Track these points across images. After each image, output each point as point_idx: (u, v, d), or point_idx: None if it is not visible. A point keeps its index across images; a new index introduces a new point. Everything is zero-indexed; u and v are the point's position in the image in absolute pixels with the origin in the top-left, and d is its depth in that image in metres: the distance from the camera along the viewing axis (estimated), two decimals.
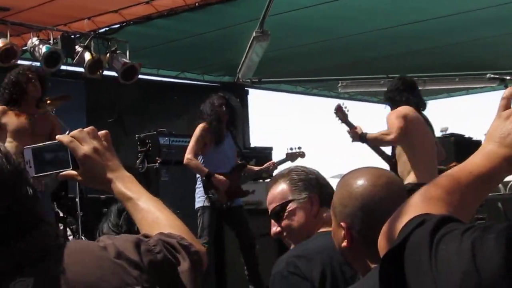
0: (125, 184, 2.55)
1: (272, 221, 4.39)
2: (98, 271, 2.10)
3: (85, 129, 2.55)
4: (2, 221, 2.01)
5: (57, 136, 2.54)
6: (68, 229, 11.47)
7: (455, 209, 1.89)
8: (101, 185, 2.59)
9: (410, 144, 9.25)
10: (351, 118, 9.52)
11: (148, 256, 2.18)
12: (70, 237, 11.73)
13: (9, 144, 8.94)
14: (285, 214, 4.31)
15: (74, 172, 2.52)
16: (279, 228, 4.36)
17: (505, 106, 2.04)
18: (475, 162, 1.99)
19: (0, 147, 2.15)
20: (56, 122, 9.55)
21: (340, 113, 9.47)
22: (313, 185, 4.37)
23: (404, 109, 9.34)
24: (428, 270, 1.65)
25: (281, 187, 4.37)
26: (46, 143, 2.56)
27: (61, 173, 2.54)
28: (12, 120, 9.02)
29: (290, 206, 4.31)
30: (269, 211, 4.40)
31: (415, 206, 1.89)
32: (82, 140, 2.51)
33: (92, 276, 2.08)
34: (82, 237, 11.14)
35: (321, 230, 4.27)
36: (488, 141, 2.01)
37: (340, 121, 9.48)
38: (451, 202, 1.90)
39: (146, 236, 2.30)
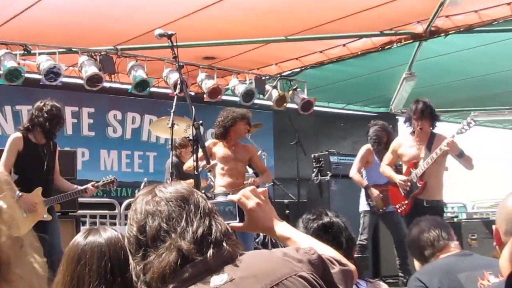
0: (282, 229, 2.61)
1: None
2: (272, 264, 2.24)
3: (247, 189, 2.62)
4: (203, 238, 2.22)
5: (229, 196, 2.69)
6: None
7: None
8: (262, 231, 2.73)
9: None
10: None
11: (306, 255, 2.32)
12: None
13: (219, 167, 9.15)
14: None
15: (239, 225, 2.59)
16: None
17: None
18: None
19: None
20: (254, 151, 9.64)
21: None
22: None
23: None
24: None
25: None
26: (220, 200, 2.69)
27: (230, 225, 2.57)
28: (219, 149, 9.16)
29: None
30: None
31: None
32: (248, 197, 2.59)
33: (269, 266, 2.23)
34: None
35: (441, 256, 4.35)
36: None
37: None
38: None
39: None
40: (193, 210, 2.26)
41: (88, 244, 2.67)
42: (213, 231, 2.24)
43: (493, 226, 3.08)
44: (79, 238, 2.73)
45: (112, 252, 2.64)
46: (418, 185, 8.86)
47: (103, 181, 8.57)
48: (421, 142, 9.03)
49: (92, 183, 8.53)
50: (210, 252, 2.18)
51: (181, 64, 8.54)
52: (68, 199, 8.51)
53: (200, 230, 2.21)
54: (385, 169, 9.45)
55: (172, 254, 2.15)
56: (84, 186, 8.41)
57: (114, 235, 2.73)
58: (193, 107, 6.59)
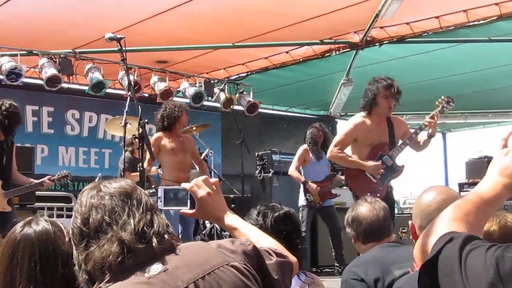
0: (230, 219, 2.60)
1: None
2: (206, 255, 2.21)
3: (200, 178, 2.60)
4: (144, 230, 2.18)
5: (182, 184, 2.63)
6: None
7: (471, 226, 1.84)
8: (211, 219, 2.74)
9: None
10: None
11: (241, 247, 2.28)
12: None
13: (168, 160, 9.00)
14: None
15: (190, 211, 2.58)
16: None
17: (504, 146, 2.03)
18: (483, 189, 1.95)
19: None
20: (194, 142, 9.52)
21: None
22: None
23: None
24: (459, 280, 1.59)
25: None
26: (174, 186, 2.66)
27: (181, 211, 2.61)
28: (166, 142, 8.96)
29: None
30: None
31: (443, 225, 1.83)
32: (200, 186, 2.58)
33: (203, 256, 2.19)
34: None
35: (375, 246, 4.19)
36: (491, 172, 1.98)
37: None
38: (468, 221, 1.85)
39: None
40: (135, 204, 2.22)
41: (21, 241, 2.56)
42: (155, 224, 2.20)
43: (409, 222, 3.10)
44: (16, 232, 2.62)
45: (42, 250, 2.54)
46: (397, 169, 7.74)
47: (58, 175, 8.45)
48: (380, 125, 7.73)
49: (48, 176, 8.42)
50: (155, 241, 2.14)
51: (129, 66, 8.45)
52: (27, 192, 8.40)
53: (142, 223, 2.17)
54: (347, 156, 7.77)
55: (113, 244, 2.10)
56: (41, 180, 8.28)
57: (46, 230, 2.63)
58: (139, 106, 6.54)
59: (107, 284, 2.07)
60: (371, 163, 7.61)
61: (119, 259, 2.09)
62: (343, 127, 8.18)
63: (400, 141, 7.79)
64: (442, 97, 7.70)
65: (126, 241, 2.11)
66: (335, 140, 7.88)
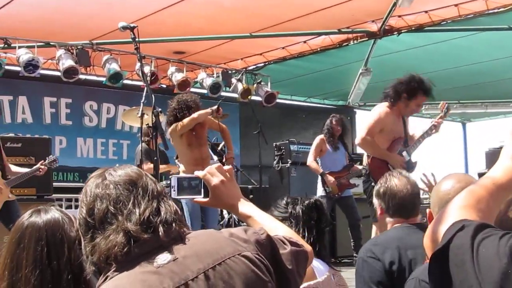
0: (245, 207, 2.55)
1: None
2: (217, 244, 2.16)
3: (213, 166, 2.56)
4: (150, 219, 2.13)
5: (195, 172, 2.58)
6: None
7: (483, 214, 1.76)
8: (225, 207, 2.68)
9: None
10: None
11: (254, 236, 2.22)
12: None
13: (184, 154, 8.62)
14: None
15: (204, 200, 2.55)
16: None
17: None
18: (496, 174, 1.86)
19: None
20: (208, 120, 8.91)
21: None
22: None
23: None
24: (471, 269, 1.53)
25: None
26: (187, 175, 2.62)
27: (194, 199, 2.57)
28: (182, 136, 8.53)
29: None
30: None
31: (453, 212, 1.76)
32: (213, 174, 2.53)
33: (212, 246, 2.14)
34: None
35: (398, 225, 4.15)
36: (505, 157, 1.89)
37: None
38: (480, 208, 1.77)
39: None
40: (141, 193, 2.17)
41: (28, 226, 2.56)
42: (162, 212, 2.15)
43: (427, 210, 3.03)
44: (24, 219, 2.63)
45: (50, 236, 2.53)
46: (413, 165, 7.88)
47: (47, 160, 8.88)
48: (399, 119, 7.85)
49: (41, 162, 8.79)
50: (161, 230, 2.10)
51: (147, 56, 8.37)
52: (26, 178, 8.68)
53: (147, 212, 2.12)
54: (377, 145, 7.78)
55: (119, 235, 2.07)
56: (37, 166, 8.70)
57: (55, 217, 2.61)
58: (153, 95, 6.47)
59: (115, 273, 2.03)
60: (397, 156, 7.73)
61: (125, 249, 2.05)
62: (371, 115, 8.03)
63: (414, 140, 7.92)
64: (442, 102, 7.92)
65: (131, 231, 2.07)
66: (365, 127, 7.84)
